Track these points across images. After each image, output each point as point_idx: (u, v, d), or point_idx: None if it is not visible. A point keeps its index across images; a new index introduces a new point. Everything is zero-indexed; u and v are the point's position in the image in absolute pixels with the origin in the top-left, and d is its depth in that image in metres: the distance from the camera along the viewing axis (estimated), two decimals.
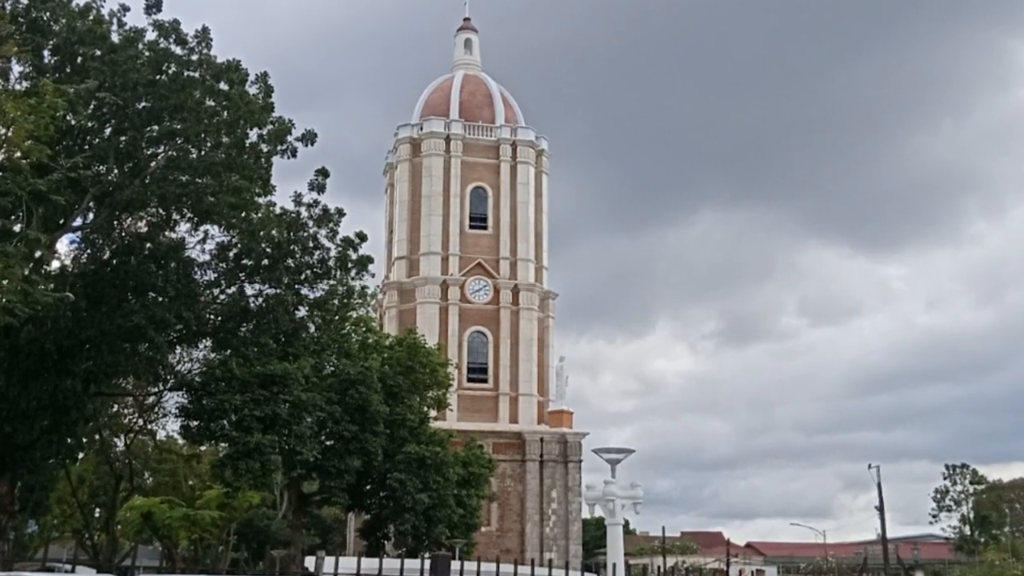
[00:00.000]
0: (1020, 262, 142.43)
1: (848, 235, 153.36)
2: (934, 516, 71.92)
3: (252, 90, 23.82)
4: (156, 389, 32.65)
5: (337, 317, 29.43)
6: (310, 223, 26.70)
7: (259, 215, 25.84)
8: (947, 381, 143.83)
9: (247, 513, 42.55)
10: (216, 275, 26.83)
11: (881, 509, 46.61)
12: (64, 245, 25.63)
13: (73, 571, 30.31)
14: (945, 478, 71.25)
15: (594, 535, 61.99)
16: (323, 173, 26.65)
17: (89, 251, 25.29)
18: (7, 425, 23.24)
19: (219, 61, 23.36)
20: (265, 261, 26.00)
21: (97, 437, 36.19)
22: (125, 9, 23.46)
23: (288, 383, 26.42)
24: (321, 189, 26.68)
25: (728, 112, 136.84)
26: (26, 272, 18.80)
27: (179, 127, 22.92)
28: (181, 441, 37.55)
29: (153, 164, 23.22)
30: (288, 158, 25.12)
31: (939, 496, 71.24)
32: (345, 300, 28.72)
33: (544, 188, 54.90)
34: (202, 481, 42.35)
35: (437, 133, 51.71)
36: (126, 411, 38.94)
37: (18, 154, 17.98)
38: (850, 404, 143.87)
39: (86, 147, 22.57)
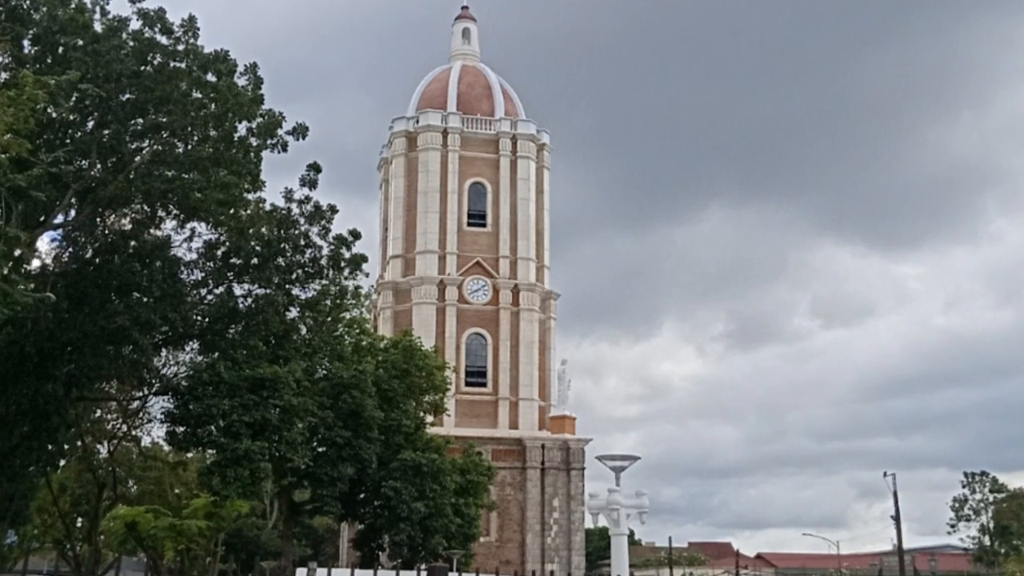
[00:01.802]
0: None
1: (862, 233, 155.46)
2: (952, 526, 71.89)
3: (241, 82, 23.83)
4: (141, 393, 32.63)
5: (329, 318, 29.49)
6: (301, 220, 26.71)
7: (248, 212, 25.85)
8: (966, 385, 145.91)
9: (236, 523, 42.70)
10: (203, 275, 26.86)
11: (897, 519, 46.75)
12: (45, 243, 25.66)
13: None
14: (964, 486, 71.21)
15: (598, 546, 62.16)
16: (315, 168, 26.67)
17: (71, 249, 25.28)
18: None
19: (206, 51, 23.35)
20: (254, 260, 26.00)
21: (79, 444, 36.21)
22: None
23: (278, 387, 26.45)
24: (313, 185, 26.69)
25: (738, 104, 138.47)
26: (5, 271, 18.78)
27: (165, 120, 22.91)
28: (167, 448, 37.61)
29: (138, 159, 23.18)
30: (278, 152, 25.13)
31: (957, 505, 71.19)
32: (338, 301, 28.76)
33: (546, 184, 54.73)
34: (189, 489, 42.40)
35: (434, 126, 51.57)
36: (109, 416, 38.98)
37: None
38: (865, 409, 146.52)
39: (68, 141, 22.57)
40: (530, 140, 53.30)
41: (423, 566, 33.87)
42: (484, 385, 49.84)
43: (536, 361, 50.30)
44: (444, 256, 50.23)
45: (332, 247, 27.26)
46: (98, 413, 37.44)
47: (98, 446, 40.12)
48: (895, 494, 45.72)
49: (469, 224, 51.73)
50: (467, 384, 49.33)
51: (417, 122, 52.56)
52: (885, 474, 46.47)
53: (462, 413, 47.71)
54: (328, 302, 28.00)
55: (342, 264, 27.53)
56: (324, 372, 32.79)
